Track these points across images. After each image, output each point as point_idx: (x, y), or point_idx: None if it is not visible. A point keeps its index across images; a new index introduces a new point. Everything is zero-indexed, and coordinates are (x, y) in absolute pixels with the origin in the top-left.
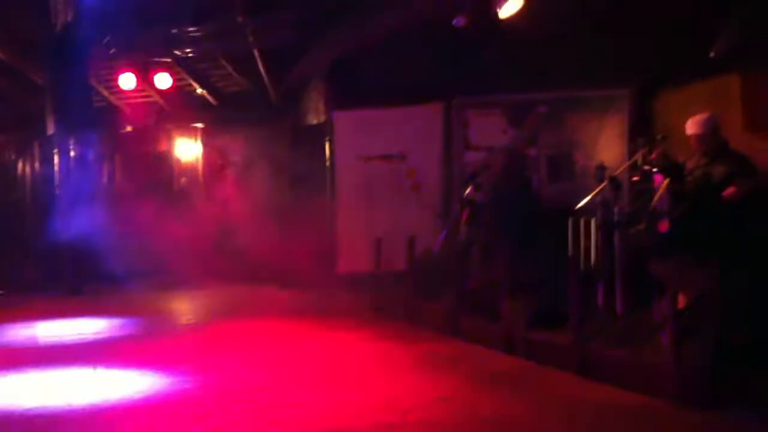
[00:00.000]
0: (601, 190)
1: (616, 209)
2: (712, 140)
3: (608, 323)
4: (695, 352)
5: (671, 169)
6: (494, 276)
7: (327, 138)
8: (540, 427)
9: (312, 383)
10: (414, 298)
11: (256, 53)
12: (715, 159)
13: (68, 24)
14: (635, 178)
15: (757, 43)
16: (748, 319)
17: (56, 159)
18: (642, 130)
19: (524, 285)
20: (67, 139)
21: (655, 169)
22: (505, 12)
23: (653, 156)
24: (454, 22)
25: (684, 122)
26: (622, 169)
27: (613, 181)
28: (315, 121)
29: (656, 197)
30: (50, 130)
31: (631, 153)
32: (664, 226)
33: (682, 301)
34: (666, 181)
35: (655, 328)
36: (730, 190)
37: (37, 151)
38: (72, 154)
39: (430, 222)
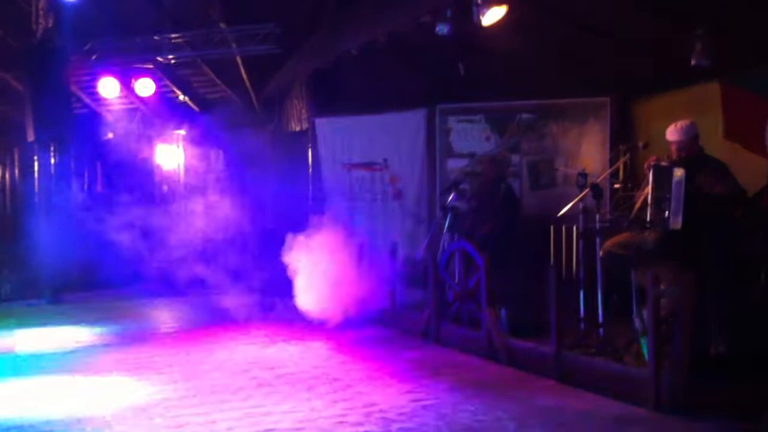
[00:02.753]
0: (583, 197)
1: (597, 216)
2: (692, 147)
3: (589, 331)
4: (673, 362)
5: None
6: (476, 283)
7: (309, 145)
8: None
9: (294, 389)
10: (396, 304)
11: (238, 60)
12: (693, 166)
13: (49, 30)
14: (617, 185)
15: (735, 52)
16: (726, 330)
17: (36, 166)
18: (623, 137)
19: (506, 293)
20: (48, 146)
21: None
22: (487, 20)
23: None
24: (437, 29)
25: (665, 130)
26: (603, 176)
27: (595, 188)
28: (297, 129)
29: (638, 204)
30: (30, 137)
31: (613, 160)
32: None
33: (664, 308)
34: (648, 188)
35: (635, 336)
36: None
37: (16, 159)
38: (52, 161)
39: (413, 229)
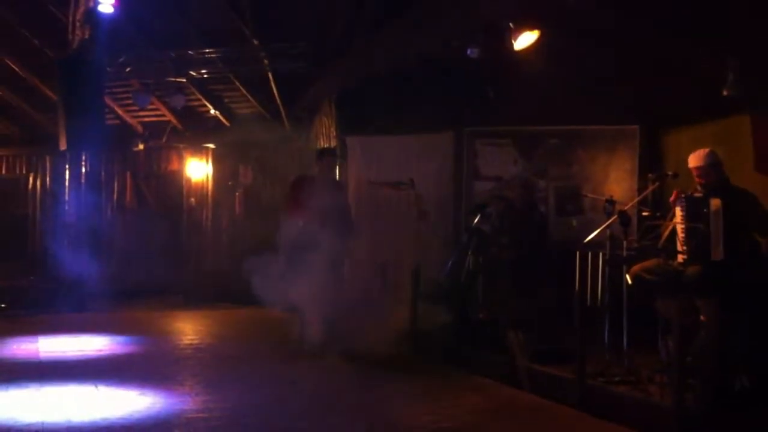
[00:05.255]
0: (610, 224)
1: (624, 244)
2: (714, 175)
3: (614, 360)
4: (696, 394)
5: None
6: (500, 307)
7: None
8: None
9: (315, 407)
10: (418, 326)
11: (270, 77)
12: (720, 195)
13: (84, 42)
14: (645, 213)
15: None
16: (749, 363)
17: (67, 175)
18: (652, 166)
19: (530, 318)
20: (79, 156)
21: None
22: (519, 44)
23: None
24: (468, 52)
25: None
26: (632, 204)
27: (623, 216)
28: (326, 146)
29: (665, 234)
30: (62, 146)
31: (641, 189)
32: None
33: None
34: (675, 219)
35: (660, 366)
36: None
37: (48, 167)
38: (83, 170)
39: (437, 250)
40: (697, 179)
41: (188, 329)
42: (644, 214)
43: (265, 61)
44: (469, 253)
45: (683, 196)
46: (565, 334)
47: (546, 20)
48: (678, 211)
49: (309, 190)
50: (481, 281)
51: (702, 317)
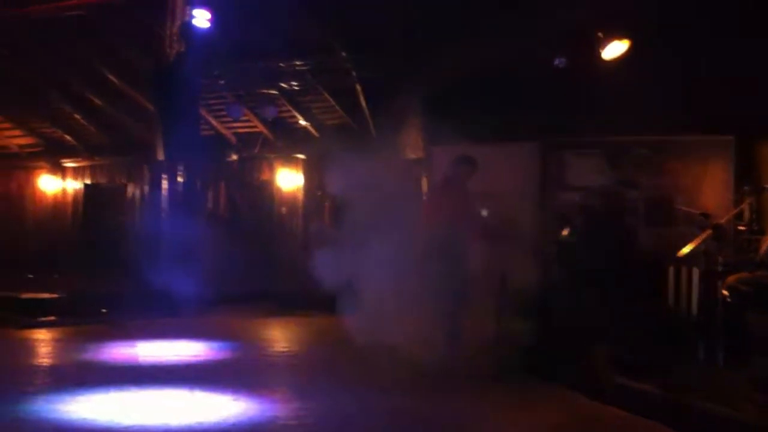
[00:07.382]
0: (705, 238)
1: (720, 259)
2: None
3: (707, 375)
4: None
5: None
6: (585, 318)
7: (425, 173)
8: None
9: (399, 420)
10: (502, 336)
11: (357, 88)
12: None
13: (179, 55)
14: (741, 227)
15: None
16: None
17: (164, 184)
18: (748, 178)
19: (615, 329)
20: (175, 165)
21: None
22: (608, 54)
23: None
24: (555, 62)
25: None
26: (727, 217)
27: (718, 229)
28: (413, 156)
29: (764, 246)
30: (159, 155)
31: (737, 202)
32: None
33: None
34: None
35: (755, 383)
36: None
37: (146, 176)
38: (179, 180)
39: (523, 260)
40: None
41: (280, 336)
42: (740, 228)
43: (353, 72)
44: (556, 263)
45: None
46: (655, 347)
47: (637, 29)
48: None
49: (453, 195)
50: (567, 292)
51: None
